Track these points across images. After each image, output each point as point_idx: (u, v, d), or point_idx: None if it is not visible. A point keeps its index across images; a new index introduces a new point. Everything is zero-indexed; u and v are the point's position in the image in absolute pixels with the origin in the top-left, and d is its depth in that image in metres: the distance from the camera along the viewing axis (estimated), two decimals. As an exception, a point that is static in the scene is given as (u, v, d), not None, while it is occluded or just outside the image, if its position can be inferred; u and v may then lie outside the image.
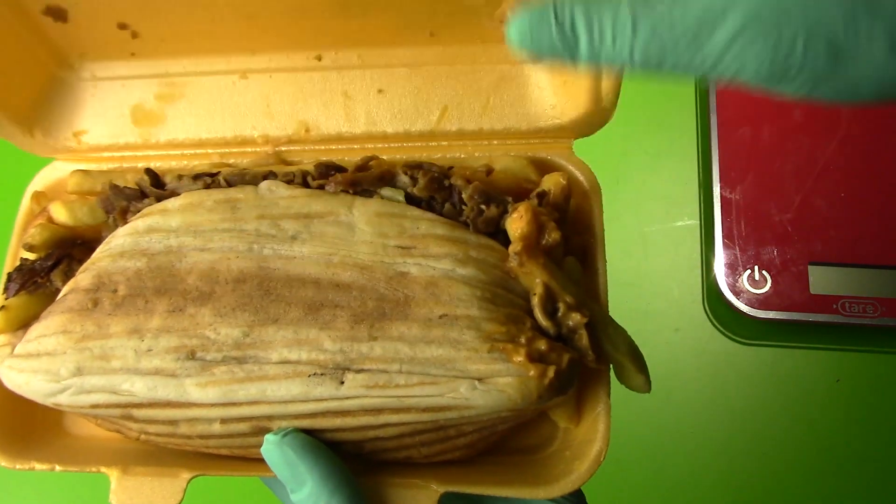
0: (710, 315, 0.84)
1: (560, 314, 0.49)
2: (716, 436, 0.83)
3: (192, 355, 0.48)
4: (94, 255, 0.52)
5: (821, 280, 0.79)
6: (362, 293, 0.49)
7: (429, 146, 0.58)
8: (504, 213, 0.52)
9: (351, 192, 0.53)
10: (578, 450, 0.51)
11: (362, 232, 0.51)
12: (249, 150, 0.59)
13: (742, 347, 0.84)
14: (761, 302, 0.79)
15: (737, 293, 0.79)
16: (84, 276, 0.51)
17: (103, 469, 0.51)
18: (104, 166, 0.60)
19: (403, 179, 0.53)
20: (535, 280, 0.49)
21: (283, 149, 0.58)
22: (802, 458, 0.81)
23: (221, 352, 0.48)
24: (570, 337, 0.49)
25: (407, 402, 0.46)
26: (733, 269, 0.80)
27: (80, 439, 0.58)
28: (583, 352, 0.49)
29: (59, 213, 0.54)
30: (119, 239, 0.52)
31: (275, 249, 0.51)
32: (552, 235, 0.51)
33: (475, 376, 0.46)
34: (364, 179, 0.53)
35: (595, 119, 0.56)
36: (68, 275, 0.53)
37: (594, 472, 0.50)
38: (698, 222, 0.85)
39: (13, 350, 0.51)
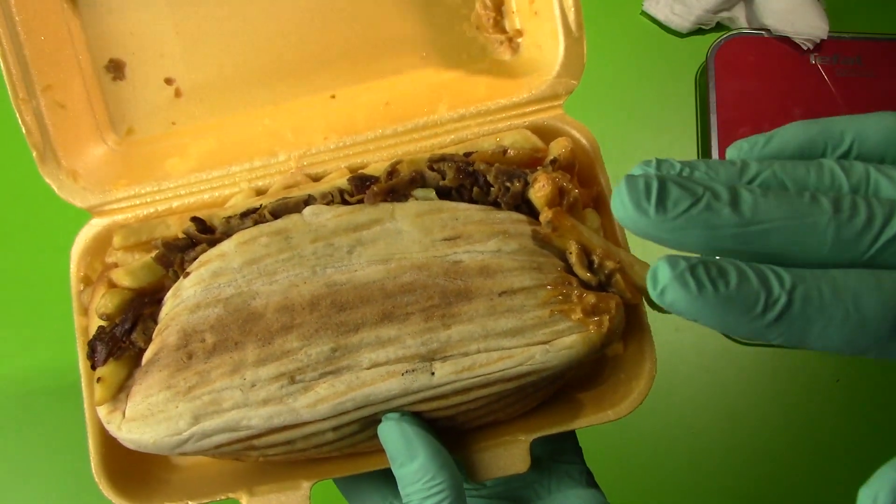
0: None
1: (596, 265, 0.56)
2: (716, 435, 0.85)
3: (292, 380, 0.53)
4: (167, 310, 0.56)
5: None
6: (426, 289, 0.54)
7: (437, 134, 0.63)
8: (526, 185, 0.57)
9: (388, 199, 0.58)
10: (631, 371, 0.59)
11: (409, 233, 0.56)
12: (274, 170, 0.63)
13: (742, 347, 0.86)
14: None
15: None
16: (169, 333, 0.55)
17: (231, 495, 0.57)
18: (141, 213, 0.63)
19: (431, 176, 0.58)
20: (569, 240, 0.56)
21: (306, 163, 0.62)
22: (802, 458, 0.84)
23: (317, 370, 0.53)
24: (609, 282, 0.56)
25: (492, 378, 0.53)
26: None
27: (192, 469, 0.63)
28: (622, 293, 0.56)
29: (123, 279, 0.57)
30: (189, 290, 0.56)
31: (336, 267, 0.55)
32: (572, 195, 0.57)
33: (544, 340, 0.53)
34: (398, 186, 0.57)
35: (574, 57, 0.62)
36: (146, 333, 0.57)
37: (650, 386, 0.58)
38: None
39: (124, 415, 0.55)
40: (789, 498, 0.84)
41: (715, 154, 0.86)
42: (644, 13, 0.95)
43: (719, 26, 0.94)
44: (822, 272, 0.31)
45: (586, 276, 0.55)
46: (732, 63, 0.88)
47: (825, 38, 0.88)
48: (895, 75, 0.88)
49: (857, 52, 0.89)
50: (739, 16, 0.93)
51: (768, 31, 0.90)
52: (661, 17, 0.93)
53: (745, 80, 0.88)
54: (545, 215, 0.56)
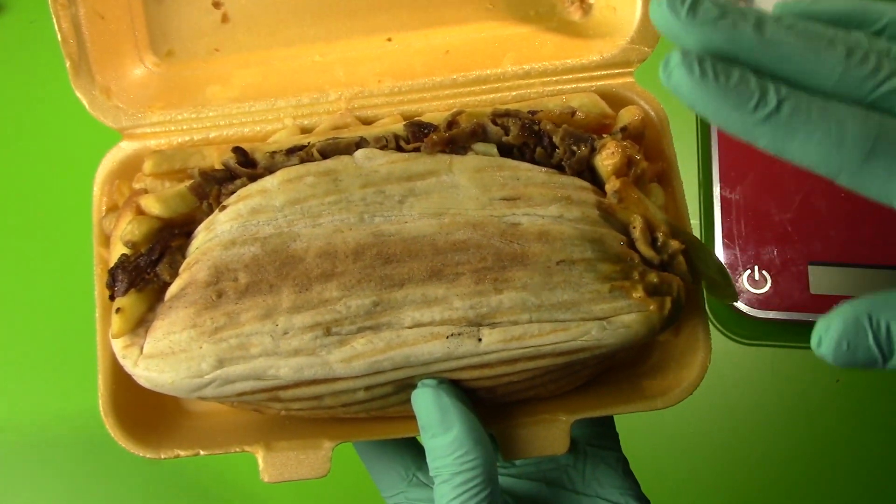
0: (710, 315, 0.83)
1: (660, 243, 0.52)
2: (716, 435, 0.85)
3: (328, 331, 0.49)
4: (199, 243, 0.52)
5: (821, 280, 0.80)
6: (479, 249, 0.50)
7: (498, 89, 0.59)
8: (593, 151, 0.54)
9: (447, 150, 0.54)
10: (683, 359, 0.56)
11: (466, 189, 0.52)
12: (322, 109, 0.59)
13: (742, 347, 0.85)
14: (761, 302, 0.79)
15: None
16: (199, 268, 0.51)
17: (246, 448, 0.53)
18: (175, 140, 0.58)
19: (494, 130, 0.54)
20: (634, 214, 0.52)
21: (357, 105, 0.58)
22: (802, 458, 0.83)
23: (355, 324, 0.49)
24: (671, 263, 0.52)
25: (542, 350, 0.49)
26: (733, 269, 0.80)
27: (206, 417, 0.59)
28: (683, 276, 0.52)
29: (153, 206, 0.53)
30: (224, 225, 0.52)
31: (385, 216, 0.52)
32: (640, 167, 0.54)
33: (601, 316, 0.50)
34: (458, 137, 0.54)
35: (650, 23, 0.58)
36: (173, 266, 0.53)
37: (702, 378, 0.55)
38: (698, 222, 0.85)
39: (141, 350, 0.51)
40: (789, 497, 0.83)
41: (715, 154, 0.84)
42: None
43: None
44: (819, 97, 0.34)
45: (649, 253, 0.52)
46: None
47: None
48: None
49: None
50: None
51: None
52: None
53: (746, 79, 0.85)
54: (612, 184, 0.53)
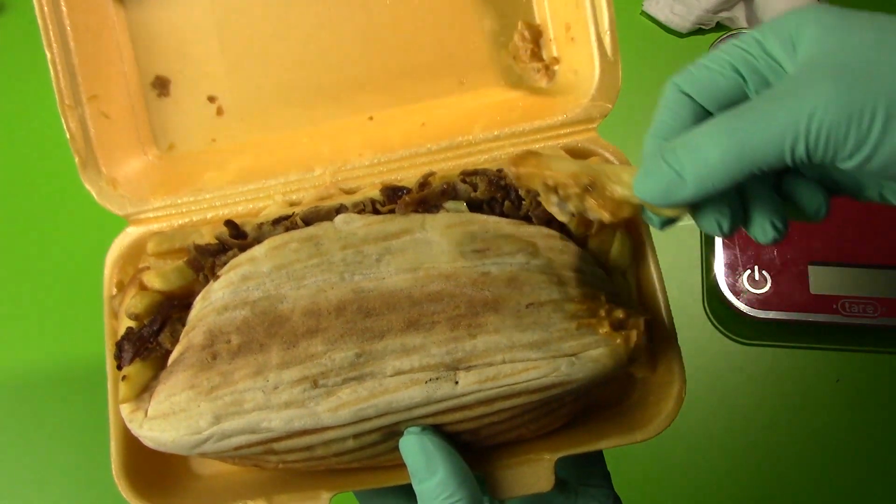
0: (710, 315, 0.87)
1: (563, 197, 0.50)
2: (716, 435, 0.85)
3: (315, 384, 0.53)
4: (196, 312, 0.57)
5: (821, 280, 0.81)
6: (453, 298, 0.54)
7: (470, 153, 0.63)
8: (557, 201, 0.57)
9: (420, 210, 0.58)
10: (660, 393, 0.58)
11: (439, 244, 0.56)
12: (309, 184, 0.64)
13: (742, 347, 0.86)
14: (761, 302, 0.80)
15: (737, 293, 0.81)
16: (196, 334, 0.55)
17: (249, 502, 0.56)
18: (176, 222, 0.64)
19: (463, 188, 0.58)
20: (536, 182, 0.51)
21: (341, 177, 0.63)
22: (802, 458, 0.83)
23: (340, 375, 0.53)
24: (584, 210, 0.50)
25: (517, 388, 0.52)
26: (733, 269, 0.82)
27: (211, 478, 0.62)
28: (599, 214, 0.48)
29: (154, 281, 0.58)
30: (217, 293, 0.56)
31: (364, 274, 0.55)
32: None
33: (570, 353, 0.53)
34: (429, 197, 0.58)
35: (609, 81, 0.62)
36: (174, 335, 0.57)
37: (679, 409, 0.57)
38: None
39: (146, 413, 0.55)
40: (789, 497, 0.83)
41: None
42: (644, 13, 0.95)
43: (719, 26, 0.94)
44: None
45: (561, 216, 0.51)
46: (732, 63, 0.87)
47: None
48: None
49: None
50: (739, 16, 0.92)
51: (768, 30, 0.89)
52: (661, 17, 0.93)
53: (745, 79, 0.87)
54: (507, 161, 0.55)
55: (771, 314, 0.80)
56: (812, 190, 0.44)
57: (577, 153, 0.62)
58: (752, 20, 0.91)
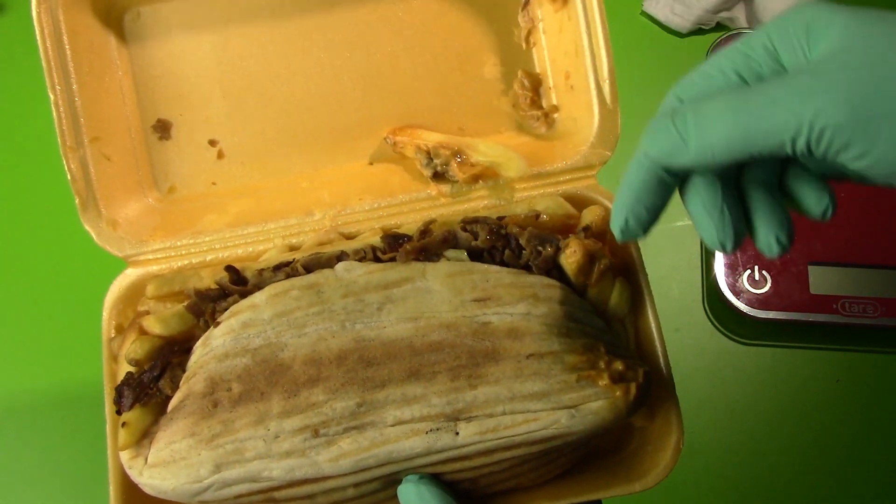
0: (710, 315, 0.87)
1: (433, 156, 0.66)
2: (715, 435, 0.85)
3: (316, 433, 0.53)
4: (196, 358, 0.57)
5: (821, 280, 0.80)
6: (454, 348, 0.54)
7: (470, 199, 0.64)
8: (557, 250, 0.58)
9: (420, 258, 0.58)
10: (658, 443, 0.58)
11: (439, 293, 0.56)
12: (309, 228, 0.64)
13: (742, 347, 0.86)
14: (761, 302, 0.80)
15: (737, 293, 0.81)
16: (196, 381, 0.55)
17: (252, 549, 0.57)
18: (175, 264, 0.64)
19: (464, 236, 0.59)
20: (410, 150, 0.66)
21: (341, 222, 0.63)
22: (802, 458, 0.83)
23: (341, 424, 0.53)
24: (447, 171, 0.65)
25: (516, 440, 0.53)
26: (733, 269, 0.81)
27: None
28: (456, 174, 0.64)
29: (154, 326, 0.58)
30: (218, 340, 0.56)
31: (365, 323, 0.56)
32: (603, 262, 0.58)
33: (570, 405, 0.53)
34: (430, 245, 0.58)
35: (608, 128, 0.63)
36: (174, 381, 0.57)
37: (677, 459, 0.57)
38: None
39: (146, 460, 0.55)
40: (789, 498, 0.83)
41: None
42: (644, 13, 0.95)
43: (719, 26, 0.94)
44: None
45: (425, 172, 0.62)
46: (732, 63, 0.86)
47: (825, 38, 0.87)
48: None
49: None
50: (739, 16, 0.92)
51: (768, 30, 0.89)
52: (661, 17, 0.93)
53: (745, 79, 0.86)
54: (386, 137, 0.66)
55: (771, 314, 0.80)
56: (817, 189, 0.43)
57: (577, 201, 0.63)
58: (753, 20, 0.91)
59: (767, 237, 0.43)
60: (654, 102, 0.85)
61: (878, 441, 0.84)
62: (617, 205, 0.45)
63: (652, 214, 0.44)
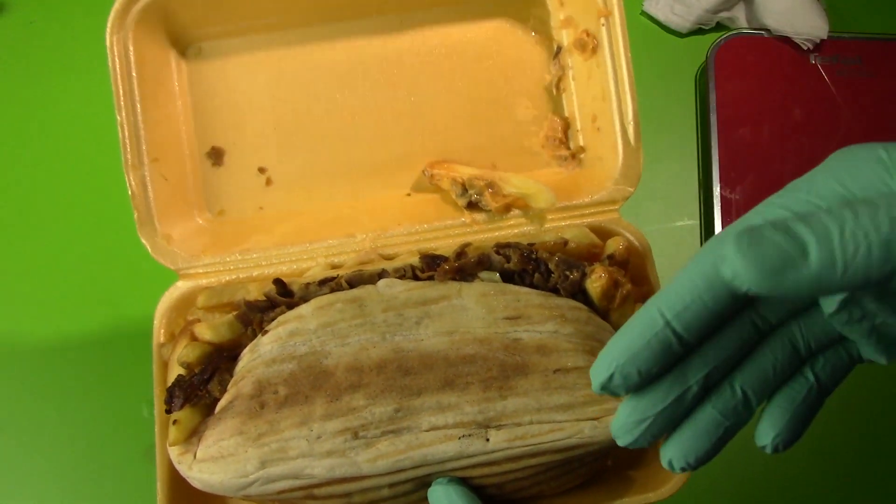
0: None
1: (467, 187, 0.70)
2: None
3: (356, 435, 0.57)
4: (244, 363, 0.61)
5: None
6: (486, 361, 0.58)
7: (501, 227, 0.69)
8: (583, 276, 0.62)
9: (456, 278, 0.63)
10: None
11: (474, 310, 0.61)
12: (350, 249, 0.69)
13: None
14: None
15: None
16: (245, 384, 0.59)
17: (285, 544, 0.60)
18: (224, 278, 0.68)
19: (497, 259, 0.63)
20: (445, 182, 0.71)
21: (380, 244, 0.68)
22: (802, 458, 0.83)
23: (379, 428, 0.57)
24: (481, 200, 0.70)
25: (543, 447, 0.56)
26: None
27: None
28: (489, 204, 0.69)
29: (205, 333, 0.62)
30: (266, 346, 0.60)
31: (404, 335, 0.60)
32: (625, 288, 0.62)
33: (593, 416, 0.57)
34: (466, 266, 0.63)
35: (631, 166, 0.68)
36: (222, 384, 0.61)
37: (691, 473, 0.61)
38: (698, 222, 0.87)
39: (195, 456, 0.59)
40: (789, 498, 0.83)
41: (715, 154, 0.85)
42: (644, 13, 0.94)
43: (719, 26, 0.93)
44: None
45: (459, 202, 0.68)
46: (732, 63, 0.87)
47: (825, 38, 0.87)
48: (895, 75, 0.87)
49: (857, 52, 0.88)
50: (739, 16, 0.92)
51: (768, 31, 0.88)
52: (661, 17, 0.93)
53: (745, 80, 0.87)
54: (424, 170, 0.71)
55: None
56: None
57: (599, 231, 0.67)
58: (752, 20, 0.91)
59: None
60: (655, 102, 0.87)
61: (877, 441, 0.84)
62: (606, 352, 0.40)
63: (643, 380, 0.40)
